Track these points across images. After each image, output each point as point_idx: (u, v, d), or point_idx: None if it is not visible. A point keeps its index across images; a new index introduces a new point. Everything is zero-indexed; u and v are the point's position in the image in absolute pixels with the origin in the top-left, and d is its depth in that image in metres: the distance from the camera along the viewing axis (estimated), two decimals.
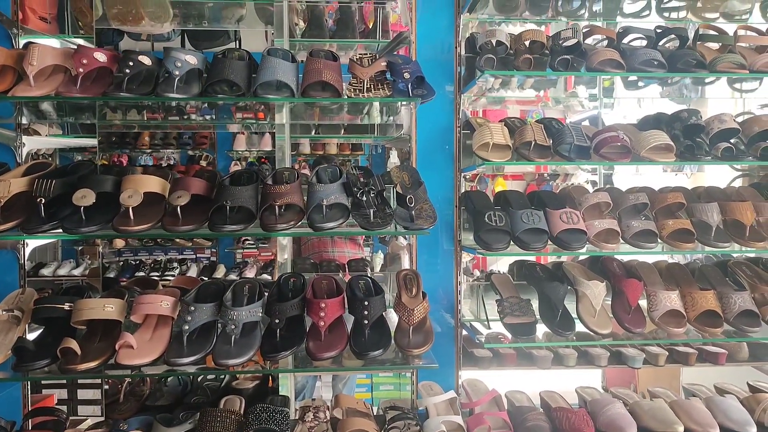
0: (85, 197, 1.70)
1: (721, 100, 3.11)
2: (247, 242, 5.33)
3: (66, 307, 1.78)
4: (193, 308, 1.75)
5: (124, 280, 4.23)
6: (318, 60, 1.85)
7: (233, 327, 1.73)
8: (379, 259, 4.15)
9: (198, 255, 5.84)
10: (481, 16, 2.56)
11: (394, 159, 4.46)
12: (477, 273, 4.75)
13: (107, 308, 1.74)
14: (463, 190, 2.47)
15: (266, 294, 1.93)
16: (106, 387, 2.13)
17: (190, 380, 2.23)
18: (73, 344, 1.67)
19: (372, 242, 4.86)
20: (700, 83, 2.75)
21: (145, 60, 1.77)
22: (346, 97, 1.86)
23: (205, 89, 1.78)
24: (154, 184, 1.77)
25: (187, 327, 1.72)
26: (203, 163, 5.81)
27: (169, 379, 2.26)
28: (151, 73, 1.83)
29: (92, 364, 1.68)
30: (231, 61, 1.80)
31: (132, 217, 1.71)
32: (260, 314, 1.82)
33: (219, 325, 1.79)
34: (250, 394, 2.11)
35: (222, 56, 1.88)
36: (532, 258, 2.52)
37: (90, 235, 1.70)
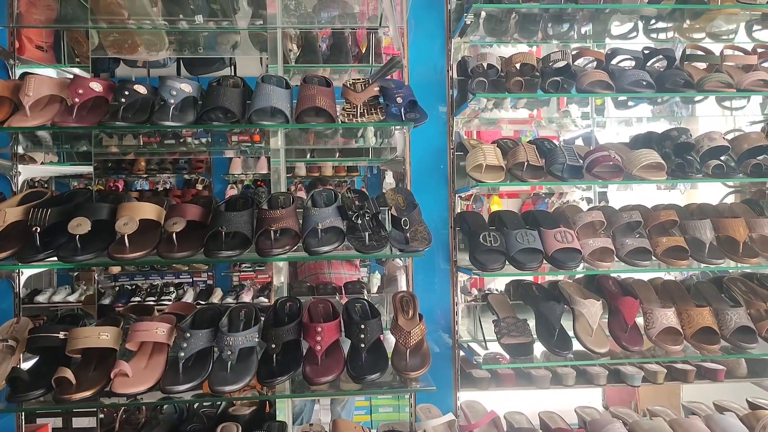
0: (80, 225, 1.70)
1: (711, 118, 3.15)
2: (244, 265, 5.32)
3: (61, 336, 1.77)
4: (189, 335, 1.74)
5: (120, 306, 4.22)
6: (311, 86, 1.88)
7: (229, 353, 1.72)
8: (376, 280, 4.15)
9: (195, 279, 5.82)
10: (473, 39, 2.61)
11: (389, 180, 4.49)
12: (475, 292, 4.74)
13: (102, 336, 1.73)
14: (459, 210, 2.49)
15: (262, 319, 1.93)
16: (102, 416, 2.10)
17: (186, 408, 2.21)
18: (68, 373, 1.66)
19: (369, 263, 4.85)
20: (690, 102, 2.79)
21: (141, 89, 1.79)
22: (339, 122, 1.88)
23: (200, 116, 1.80)
24: (149, 211, 1.78)
25: (183, 354, 1.71)
26: (199, 187, 5.83)
27: (165, 407, 2.24)
28: (147, 101, 1.85)
29: (87, 393, 1.67)
30: (225, 89, 1.83)
31: (127, 244, 1.71)
32: (257, 339, 1.81)
33: (215, 351, 1.79)
34: (246, 420, 2.09)
35: (217, 84, 1.91)
36: (530, 277, 2.53)
37: (86, 264, 1.70)
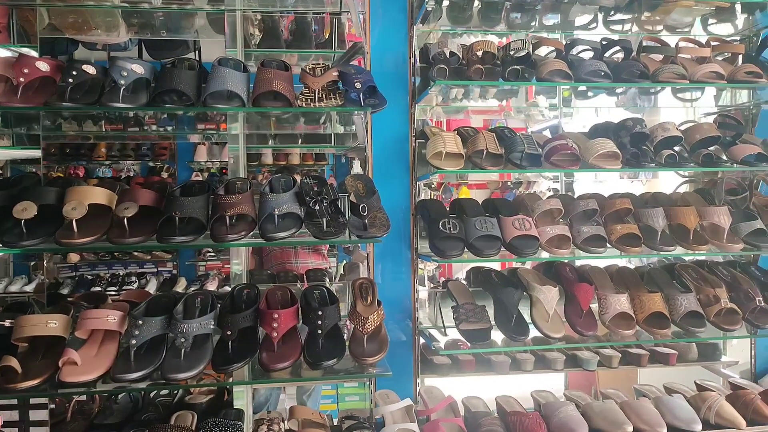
0: (25, 210, 1.64)
1: (672, 110, 3.23)
2: (209, 254, 5.25)
3: (6, 324, 1.71)
4: (141, 322, 1.70)
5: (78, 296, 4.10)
6: (269, 70, 1.85)
7: (183, 340, 1.69)
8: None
9: (160, 269, 5.72)
10: (444, 28, 2.59)
11: (357, 168, 4.48)
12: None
13: (50, 324, 1.69)
14: (423, 198, 2.50)
15: (219, 306, 1.90)
16: (52, 406, 2.05)
17: (142, 397, 2.17)
18: (14, 362, 1.61)
19: (337, 252, 4.84)
20: (646, 93, 2.85)
21: (90, 69, 1.73)
22: (297, 107, 1.86)
23: (153, 99, 1.76)
24: (99, 195, 1.73)
25: (134, 341, 1.67)
26: (165, 174, 5.70)
27: (120, 396, 2.20)
28: (97, 82, 1.79)
29: (34, 382, 1.62)
30: (180, 71, 1.78)
31: (76, 229, 1.66)
32: (212, 326, 1.79)
33: (169, 338, 1.76)
34: (203, 408, 2.07)
35: (171, 66, 1.86)
36: (490, 264, 2.56)
37: (31, 249, 1.65)
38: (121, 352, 1.74)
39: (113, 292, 4.66)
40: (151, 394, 2.23)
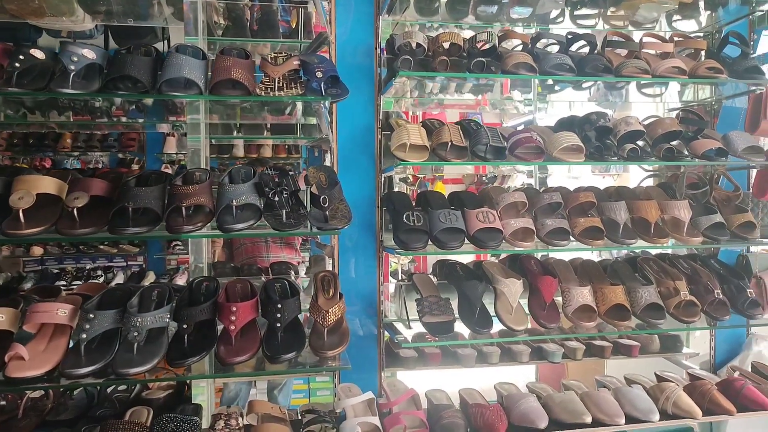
0: None
1: (643, 105, 3.26)
2: (178, 248, 5.15)
3: None
4: (92, 315, 1.66)
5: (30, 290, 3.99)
6: (227, 57, 1.80)
7: (136, 334, 1.65)
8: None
9: (129, 262, 5.60)
10: (420, 20, 2.55)
11: (329, 161, 4.43)
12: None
13: None
14: (391, 191, 2.48)
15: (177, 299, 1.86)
16: (3, 403, 1.98)
17: (98, 392, 2.12)
18: None
19: (309, 246, 4.80)
20: (612, 87, 2.87)
21: (38, 54, 1.67)
22: (256, 95, 1.82)
23: (105, 85, 1.70)
24: (48, 184, 1.67)
25: (84, 335, 1.63)
26: (135, 167, 5.58)
27: (75, 391, 2.14)
28: (47, 68, 1.73)
29: None
30: (134, 57, 1.73)
31: (23, 220, 1.61)
32: (167, 320, 1.75)
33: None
34: (161, 404, 2.02)
35: (127, 52, 1.81)
36: (454, 257, 2.56)
37: None
38: (71, 346, 1.69)
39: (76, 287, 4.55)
40: (108, 390, 2.18)
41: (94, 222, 1.68)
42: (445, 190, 6.60)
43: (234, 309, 1.76)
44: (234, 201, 1.75)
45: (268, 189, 1.82)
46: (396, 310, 2.59)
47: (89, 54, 1.68)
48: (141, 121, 4.55)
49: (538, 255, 2.55)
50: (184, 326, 1.74)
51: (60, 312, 1.68)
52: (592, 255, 3.04)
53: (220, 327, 1.83)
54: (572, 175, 6.29)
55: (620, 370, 2.69)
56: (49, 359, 1.63)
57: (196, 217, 1.75)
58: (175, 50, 1.81)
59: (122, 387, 2.19)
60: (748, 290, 2.33)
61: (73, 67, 1.65)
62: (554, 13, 2.64)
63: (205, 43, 2.35)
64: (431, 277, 2.47)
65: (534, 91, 3.56)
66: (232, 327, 1.75)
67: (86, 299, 1.83)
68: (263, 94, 1.82)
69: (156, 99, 2.73)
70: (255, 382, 3.92)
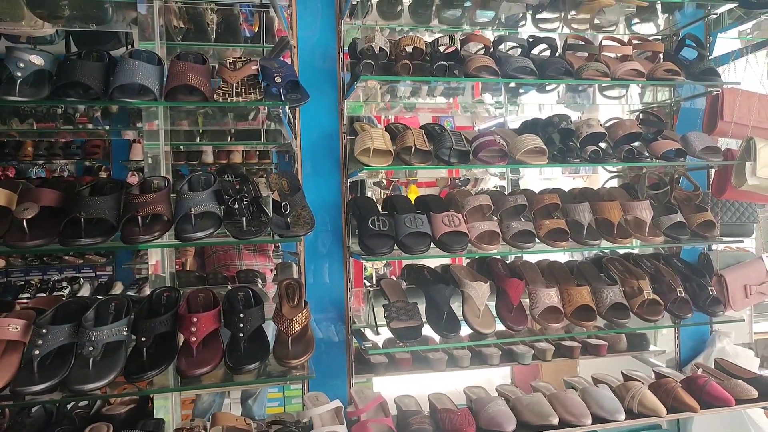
0: None
1: (609, 107, 3.31)
2: (146, 257, 5.03)
3: None
4: (45, 331, 1.60)
5: None
6: (182, 63, 1.76)
7: (91, 349, 1.60)
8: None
9: (98, 272, 5.47)
10: (382, 24, 2.54)
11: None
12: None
13: None
14: (357, 196, 2.46)
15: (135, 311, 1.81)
16: None
17: (56, 409, 2.05)
18: None
19: (282, 253, 4.74)
20: (578, 90, 2.91)
21: None
22: (214, 101, 1.79)
23: (55, 92, 1.65)
24: None
25: (37, 352, 1.57)
26: (103, 174, 5.45)
27: (33, 409, 2.06)
28: None
29: None
30: (83, 62, 1.68)
31: None
32: (125, 333, 1.70)
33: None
34: (122, 420, 1.96)
35: (77, 57, 1.75)
36: (422, 261, 2.55)
37: None
38: (24, 363, 1.63)
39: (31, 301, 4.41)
40: (68, 406, 2.10)
41: (46, 233, 1.63)
42: (419, 193, 6.61)
43: (195, 320, 1.72)
44: (193, 209, 1.71)
45: (228, 196, 1.79)
46: (365, 316, 2.57)
47: (37, 60, 1.62)
48: (108, 128, 4.45)
49: (511, 258, 2.56)
50: (143, 339, 1.69)
51: (11, 328, 1.62)
52: (563, 256, 3.08)
53: (183, 338, 1.79)
54: (544, 176, 6.36)
55: (592, 369, 2.71)
56: (0, 377, 1.57)
57: (154, 227, 1.71)
58: (128, 55, 1.76)
59: (83, 403, 2.13)
60: (709, 288, 2.37)
61: (20, 74, 1.59)
62: (519, 17, 2.66)
63: (164, 48, 2.30)
64: (401, 281, 2.46)
65: (504, 93, 3.59)
66: (193, 338, 1.71)
67: (41, 313, 1.77)
68: (221, 99, 1.79)
69: (120, 105, 2.65)
70: (228, 392, 3.86)
